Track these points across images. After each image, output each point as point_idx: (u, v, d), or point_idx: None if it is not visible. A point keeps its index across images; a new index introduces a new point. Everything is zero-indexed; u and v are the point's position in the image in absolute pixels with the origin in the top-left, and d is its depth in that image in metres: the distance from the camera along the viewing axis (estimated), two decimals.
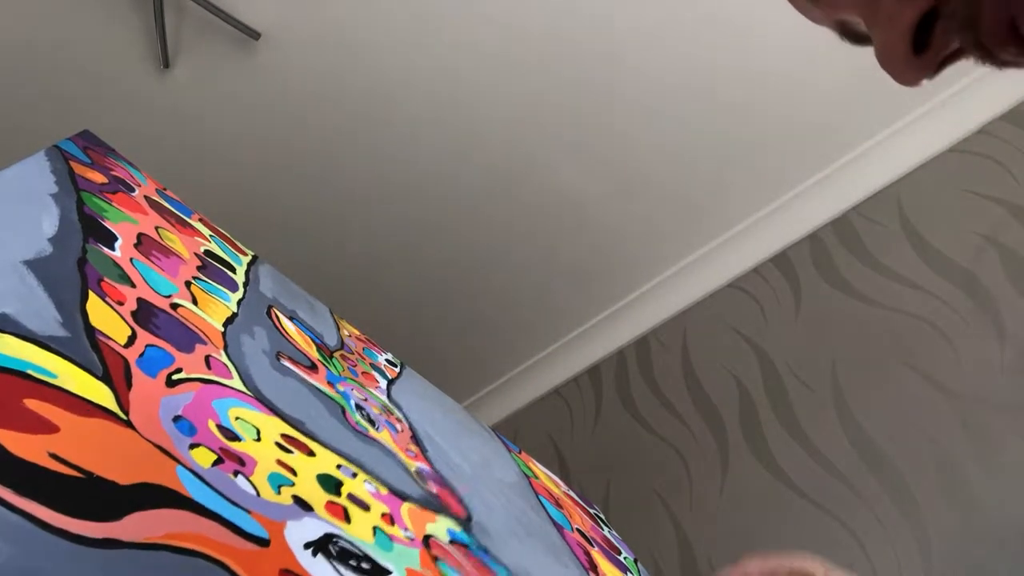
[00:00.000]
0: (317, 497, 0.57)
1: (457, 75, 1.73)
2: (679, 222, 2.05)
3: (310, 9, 1.62)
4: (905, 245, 1.79)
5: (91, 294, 0.58)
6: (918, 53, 0.37)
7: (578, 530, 0.97)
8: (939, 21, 0.36)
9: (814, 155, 1.93)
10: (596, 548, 0.96)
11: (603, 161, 1.90)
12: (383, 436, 0.75)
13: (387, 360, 1.01)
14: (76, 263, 0.60)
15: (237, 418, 0.58)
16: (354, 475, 0.64)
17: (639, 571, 1.04)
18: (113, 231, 0.68)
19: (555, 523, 0.92)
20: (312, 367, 0.77)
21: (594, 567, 0.89)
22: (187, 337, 0.62)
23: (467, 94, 1.77)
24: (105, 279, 0.61)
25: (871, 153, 1.91)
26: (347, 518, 0.57)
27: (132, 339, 0.57)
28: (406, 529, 0.62)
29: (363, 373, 0.89)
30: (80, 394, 0.48)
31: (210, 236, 0.87)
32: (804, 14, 0.42)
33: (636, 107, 1.80)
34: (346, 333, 0.98)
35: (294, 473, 0.57)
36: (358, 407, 0.77)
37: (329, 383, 0.77)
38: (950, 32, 0.36)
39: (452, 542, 0.67)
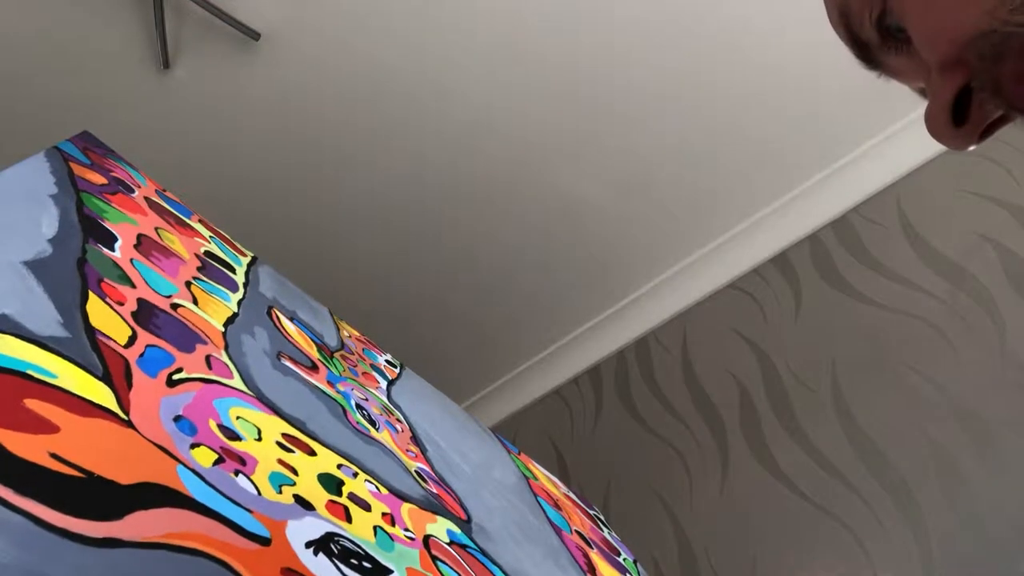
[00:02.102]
0: (318, 496, 0.57)
1: (458, 75, 1.73)
2: (679, 223, 2.05)
3: (310, 9, 1.62)
4: (905, 245, 1.79)
5: (91, 294, 0.58)
6: (960, 124, 0.41)
7: (577, 532, 0.97)
8: (974, 95, 0.40)
9: (814, 155, 1.93)
10: (595, 550, 0.96)
11: (603, 162, 1.90)
12: (384, 436, 0.75)
13: (387, 361, 1.01)
14: (76, 264, 0.60)
15: (238, 417, 0.58)
16: (355, 475, 0.64)
17: (638, 572, 1.04)
18: (113, 232, 0.68)
19: (554, 525, 0.92)
20: (313, 367, 0.77)
21: (592, 569, 0.89)
22: (188, 337, 0.62)
23: (468, 94, 1.77)
24: (105, 279, 0.61)
25: (871, 153, 1.91)
26: (348, 517, 0.57)
27: (132, 339, 0.57)
28: (407, 529, 0.62)
29: (363, 373, 0.89)
30: (80, 394, 0.48)
31: (210, 237, 0.87)
32: (894, 78, 0.47)
33: (636, 109, 1.80)
34: (346, 334, 0.98)
35: (295, 472, 0.57)
36: (359, 407, 0.77)
37: (330, 383, 0.77)
38: (986, 103, 0.40)
39: (451, 543, 0.67)
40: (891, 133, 1.87)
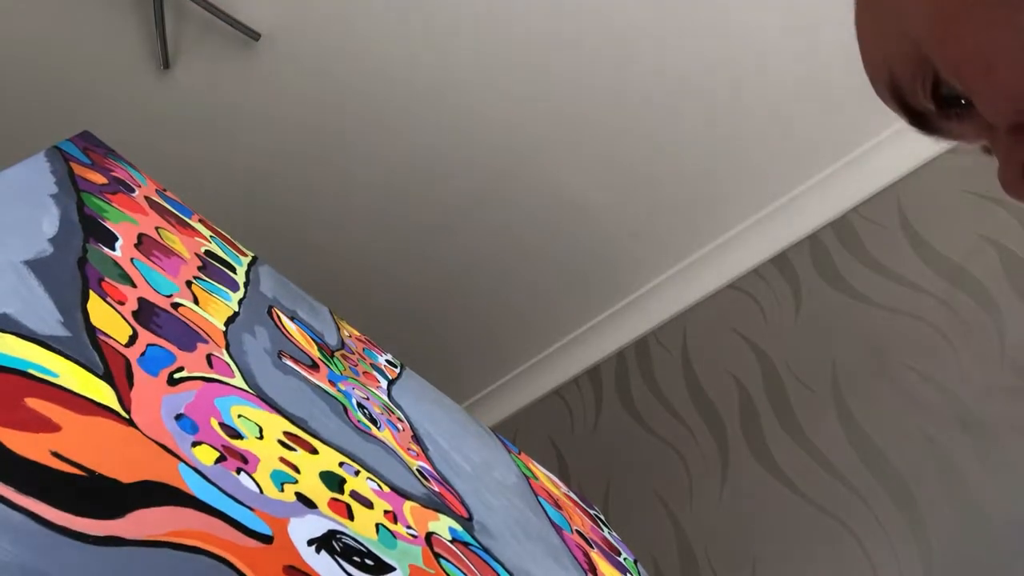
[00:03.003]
0: (320, 494, 0.57)
1: (457, 75, 1.73)
2: (679, 223, 2.05)
3: (310, 9, 1.62)
4: (905, 246, 1.79)
5: (92, 294, 0.58)
6: None
7: (577, 531, 0.97)
8: None
9: (814, 155, 1.93)
10: (595, 549, 0.96)
11: (603, 162, 1.90)
12: (385, 435, 0.75)
13: (387, 361, 1.01)
14: (77, 263, 0.60)
15: (240, 416, 0.58)
16: (357, 473, 0.64)
17: (639, 572, 1.04)
18: (113, 231, 0.68)
19: (554, 524, 0.92)
20: (314, 366, 0.77)
21: (593, 568, 0.89)
22: (188, 336, 0.62)
23: (468, 94, 1.77)
24: (106, 279, 0.61)
25: (871, 153, 1.91)
26: (350, 515, 0.57)
27: (133, 338, 0.57)
28: (409, 527, 0.62)
29: (364, 373, 0.89)
30: (81, 393, 0.48)
31: (210, 237, 0.87)
32: (953, 140, 0.47)
33: (636, 108, 1.80)
34: (346, 334, 0.98)
35: (297, 471, 0.57)
36: (360, 406, 0.77)
37: (331, 382, 0.77)
38: None
39: (454, 540, 0.67)
40: (891, 133, 1.87)
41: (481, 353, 2.41)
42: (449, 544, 0.65)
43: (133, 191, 0.80)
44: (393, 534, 0.59)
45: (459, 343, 2.37)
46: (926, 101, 0.43)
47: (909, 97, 0.44)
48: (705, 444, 1.90)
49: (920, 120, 0.46)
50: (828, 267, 1.91)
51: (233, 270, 0.83)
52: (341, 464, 0.63)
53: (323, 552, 0.51)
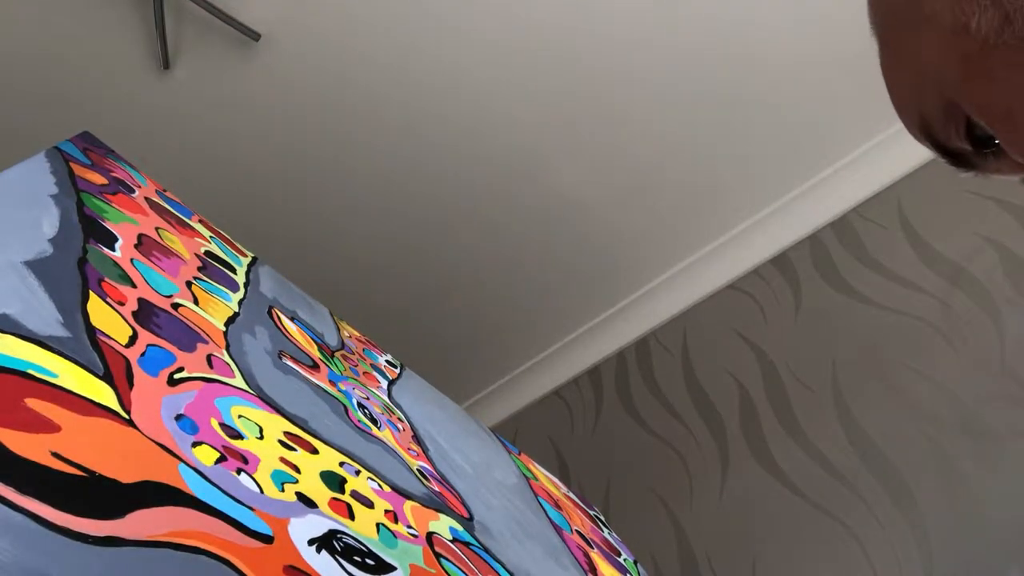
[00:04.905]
0: (321, 494, 0.57)
1: (458, 76, 1.73)
2: (679, 223, 2.05)
3: (310, 10, 1.62)
4: (905, 246, 1.79)
5: (92, 294, 0.58)
6: None
7: (577, 532, 0.97)
8: None
9: (814, 155, 1.93)
10: (595, 550, 0.96)
11: (604, 162, 1.90)
12: (385, 435, 0.75)
13: (387, 361, 1.01)
14: (77, 263, 0.60)
15: (240, 416, 0.58)
16: (357, 472, 0.64)
17: (638, 572, 1.04)
18: (113, 232, 0.68)
19: (554, 525, 0.92)
20: (314, 366, 0.77)
21: (593, 569, 0.89)
22: (189, 336, 0.62)
23: (468, 94, 1.77)
24: (106, 279, 0.61)
25: (871, 153, 1.91)
26: (351, 515, 0.57)
27: (133, 339, 0.57)
28: (410, 526, 0.62)
29: (364, 373, 0.89)
30: (81, 393, 0.48)
31: (210, 237, 0.87)
32: (992, 175, 0.47)
33: (637, 108, 1.80)
34: (346, 334, 0.98)
35: (297, 471, 0.57)
36: (360, 405, 0.77)
37: (331, 382, 0.77)
38: None
39: (455, 540, 0.66)
40: (891, 133, 1.87)
41: (481, 353, 2.41)
42: (450, 544, 0.65)
43: (133, 192, 0.80)
44: (394, 534, 0.59)
45: (459, 343, 2.37)
46: (960, 142, 0.43)
47: (943, 139, 0.44)
48: (705, 444, 1.90)
49: (957, 159, 0.45)
50: (828, 267, 1.91)
51: (233, 270, 0.83)
52: (342, 464, 0.63)
53: (324, 552, 0.51)
